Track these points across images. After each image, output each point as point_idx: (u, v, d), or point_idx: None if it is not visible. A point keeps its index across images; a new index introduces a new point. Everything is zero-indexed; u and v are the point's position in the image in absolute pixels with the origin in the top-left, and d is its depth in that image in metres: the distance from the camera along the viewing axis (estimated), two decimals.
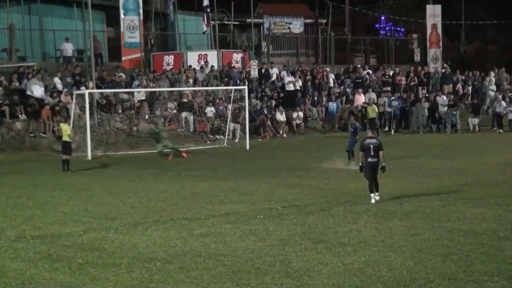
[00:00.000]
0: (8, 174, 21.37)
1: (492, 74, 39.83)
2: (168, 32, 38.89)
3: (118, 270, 9.98)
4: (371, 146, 15.61)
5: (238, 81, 34.13)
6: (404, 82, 38.09)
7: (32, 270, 10.03)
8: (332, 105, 34.75)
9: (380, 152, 15.58)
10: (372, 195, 15.49)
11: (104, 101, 29.73)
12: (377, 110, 33.50)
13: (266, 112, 32.76)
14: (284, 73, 36.13)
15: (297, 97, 34.39)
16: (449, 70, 39.88)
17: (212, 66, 34.64)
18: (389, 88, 37.05)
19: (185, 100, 31.54)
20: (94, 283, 9.43)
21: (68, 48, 32.48)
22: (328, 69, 38.50)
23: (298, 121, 33.65)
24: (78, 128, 26.72)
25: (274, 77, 35.92)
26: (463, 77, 40.36)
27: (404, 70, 39.65)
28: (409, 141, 30.63)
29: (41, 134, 27.37)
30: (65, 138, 22.55)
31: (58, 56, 33.86)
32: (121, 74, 31.84)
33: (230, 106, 30.67)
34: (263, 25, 43.00)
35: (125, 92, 30.70)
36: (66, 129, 22.69)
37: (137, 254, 10.89)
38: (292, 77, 35.69)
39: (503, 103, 34.86)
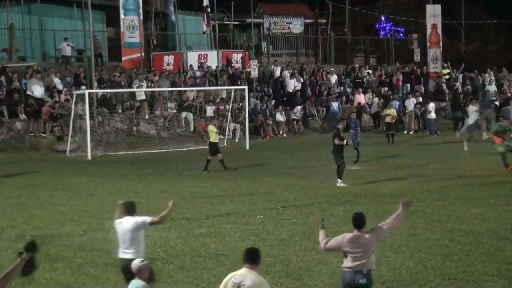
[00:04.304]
0: (8, 174, 21.36)
1: (490, 74, 39.71)
2: (168, 32, 38.87)
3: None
4: None
5: (239, 81, 34.10)
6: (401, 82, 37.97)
7: None
8: (335, 105, 34.66)
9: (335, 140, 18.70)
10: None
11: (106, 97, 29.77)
12: (395, 113, 31.17)
13: (266, 113, 32.65)
14: (285, 73, 36.09)
15: (297, 97, 34.36)
16: (452, 74, 39.36)
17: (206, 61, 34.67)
18: (386, 88, 36.98)
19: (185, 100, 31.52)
20: (94, 283, 9.43)
21: (67, 48, 32.46)
22: (332, 69, 38.43)
23: (298, 116, 33.46)
24: (78, 128, 26.72)
25: (278, 76, 35.77)
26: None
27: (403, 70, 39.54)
28: (409, 141, 30.60)
29: (41, 134, 27.35)
30: (211, 139, 22.58)
31: (58, 56, 33.84)
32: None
33: (230, 106, 30.65)
34: (263, 25, 42.94)
35: (125, 92, 30.69)
36: (212, 130, 22.65)
37: None
38: (293, 77, 35.64)
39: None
